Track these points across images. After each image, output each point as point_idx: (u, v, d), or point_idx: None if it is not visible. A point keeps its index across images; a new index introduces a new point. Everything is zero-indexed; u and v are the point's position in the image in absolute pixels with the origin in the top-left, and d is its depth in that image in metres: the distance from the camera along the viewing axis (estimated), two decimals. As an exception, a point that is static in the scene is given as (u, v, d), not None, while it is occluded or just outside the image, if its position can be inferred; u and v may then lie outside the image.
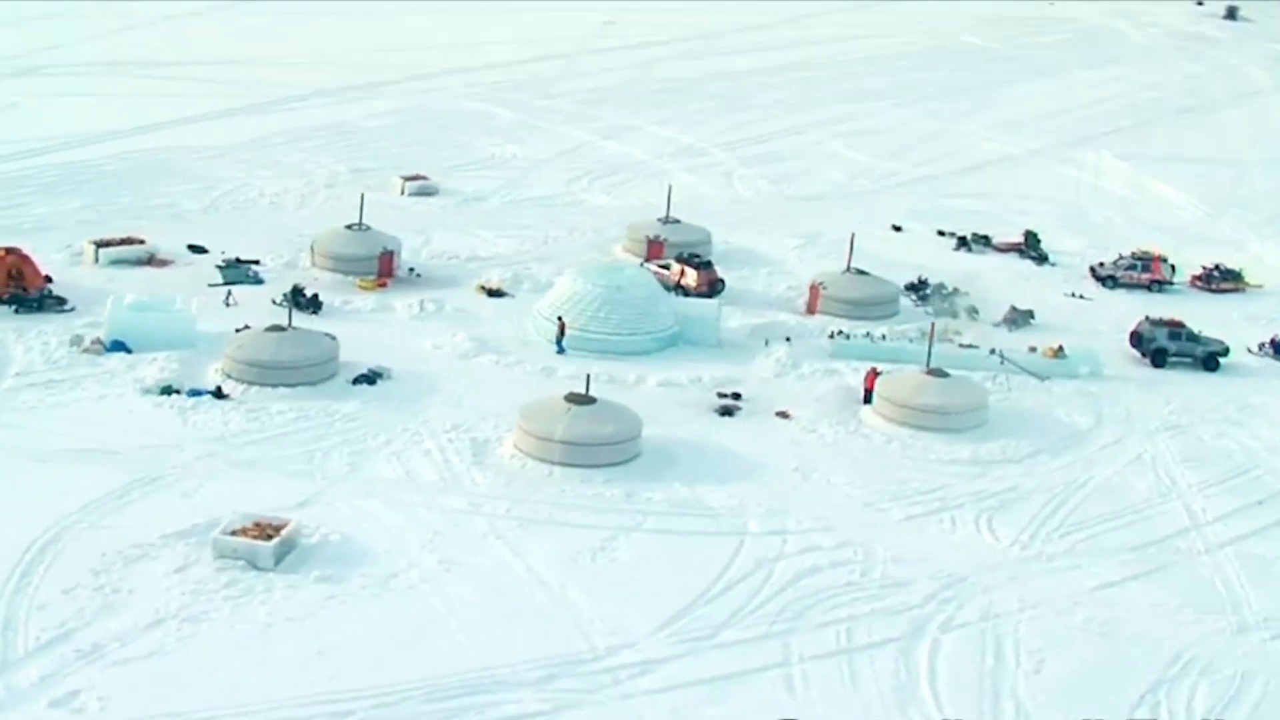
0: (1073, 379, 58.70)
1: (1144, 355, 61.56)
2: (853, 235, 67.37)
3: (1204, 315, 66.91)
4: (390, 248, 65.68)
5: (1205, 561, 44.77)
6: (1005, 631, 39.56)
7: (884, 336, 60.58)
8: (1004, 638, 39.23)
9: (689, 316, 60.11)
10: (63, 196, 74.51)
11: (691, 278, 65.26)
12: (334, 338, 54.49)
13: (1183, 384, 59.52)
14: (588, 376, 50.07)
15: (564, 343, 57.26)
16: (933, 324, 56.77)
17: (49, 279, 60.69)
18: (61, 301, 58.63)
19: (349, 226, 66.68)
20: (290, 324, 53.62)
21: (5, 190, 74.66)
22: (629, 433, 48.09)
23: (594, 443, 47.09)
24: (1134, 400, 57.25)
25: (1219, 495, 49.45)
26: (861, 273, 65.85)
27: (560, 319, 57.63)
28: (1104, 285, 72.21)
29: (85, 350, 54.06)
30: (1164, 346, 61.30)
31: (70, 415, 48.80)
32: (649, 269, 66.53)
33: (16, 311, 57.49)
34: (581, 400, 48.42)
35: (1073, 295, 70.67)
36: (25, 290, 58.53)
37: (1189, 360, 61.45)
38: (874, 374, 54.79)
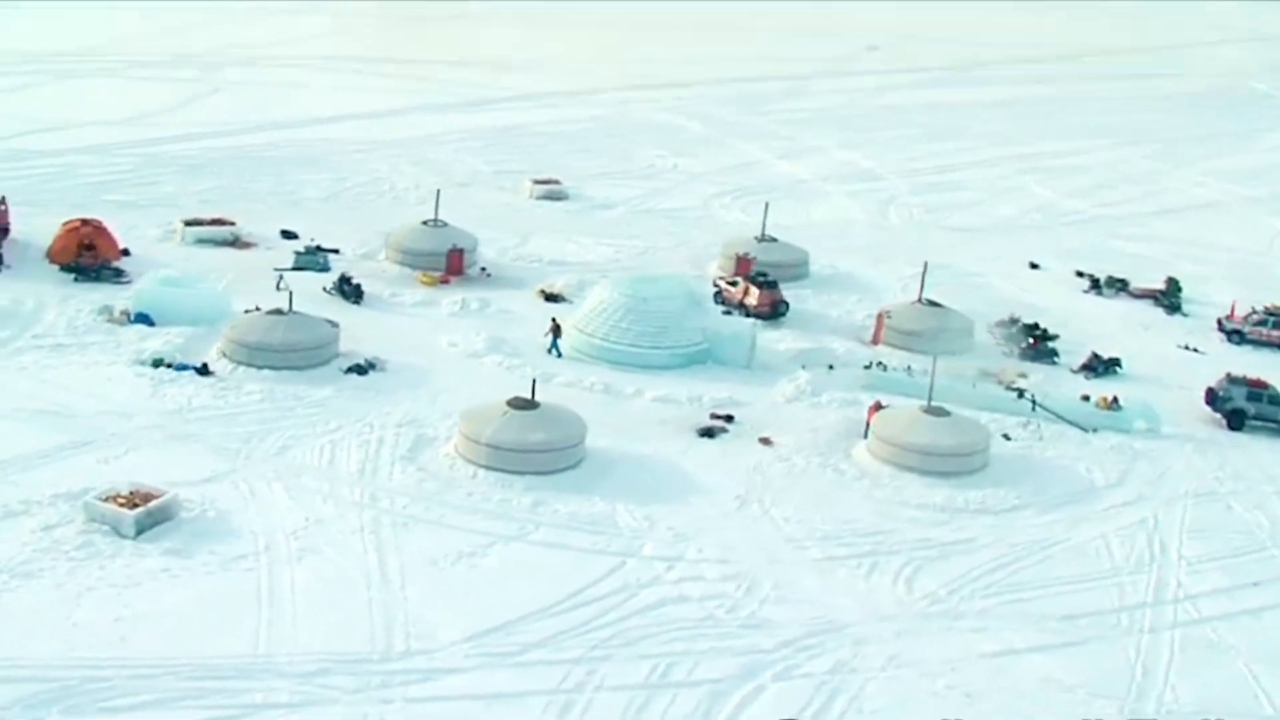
0: (1124, 433, 53.70)
1: (1221, 415, 55.80)
2: (925, 264, 63.45)
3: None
4: (461, 245, 65.62)
5: (1141, 641, 39.81)
6: (847, 688, 36.15)
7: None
8: (840, 694, 35.84)
9: (721, 335, 57.73)
10: (199, 177, 77.81)
11: (754, 297, 62.86)
12: (335, 324, 54.76)
13: (1251, 450, 53.56)
14: (533, 381, 48.65)
15: (559, 345, 55.83)
16: (934, 358, 52.77)
17: (126, 252, 63.35)
18: (119, 273, 60.92)
19: (425, 222, 66.99)
20: (290, 308, 54.09)
21: (150, 168, 78.59)
22: (563, 441, 46.45)
23: (520, 448, 45.68)
24: (1180, 462, 51.81)
25: (1210, 572, 44.10)
26: (933, 304, 62.01)
27: (554, 320, 56.29)
28: (1229, 340, 65.92)
29: (111, 320, 55.93)
30: (1241, 408, 55.27)
31: (52, 378, 50.46)
32: (719, 285, 64.80)
33: (75, 280, 60.08)
34: (523, 405, 47.10)
35: (1185, 348, 64.80)
36: (94, 260, 61.21)
37: (1274, 425, 55.39)
38: (876, 407, 51.51)
